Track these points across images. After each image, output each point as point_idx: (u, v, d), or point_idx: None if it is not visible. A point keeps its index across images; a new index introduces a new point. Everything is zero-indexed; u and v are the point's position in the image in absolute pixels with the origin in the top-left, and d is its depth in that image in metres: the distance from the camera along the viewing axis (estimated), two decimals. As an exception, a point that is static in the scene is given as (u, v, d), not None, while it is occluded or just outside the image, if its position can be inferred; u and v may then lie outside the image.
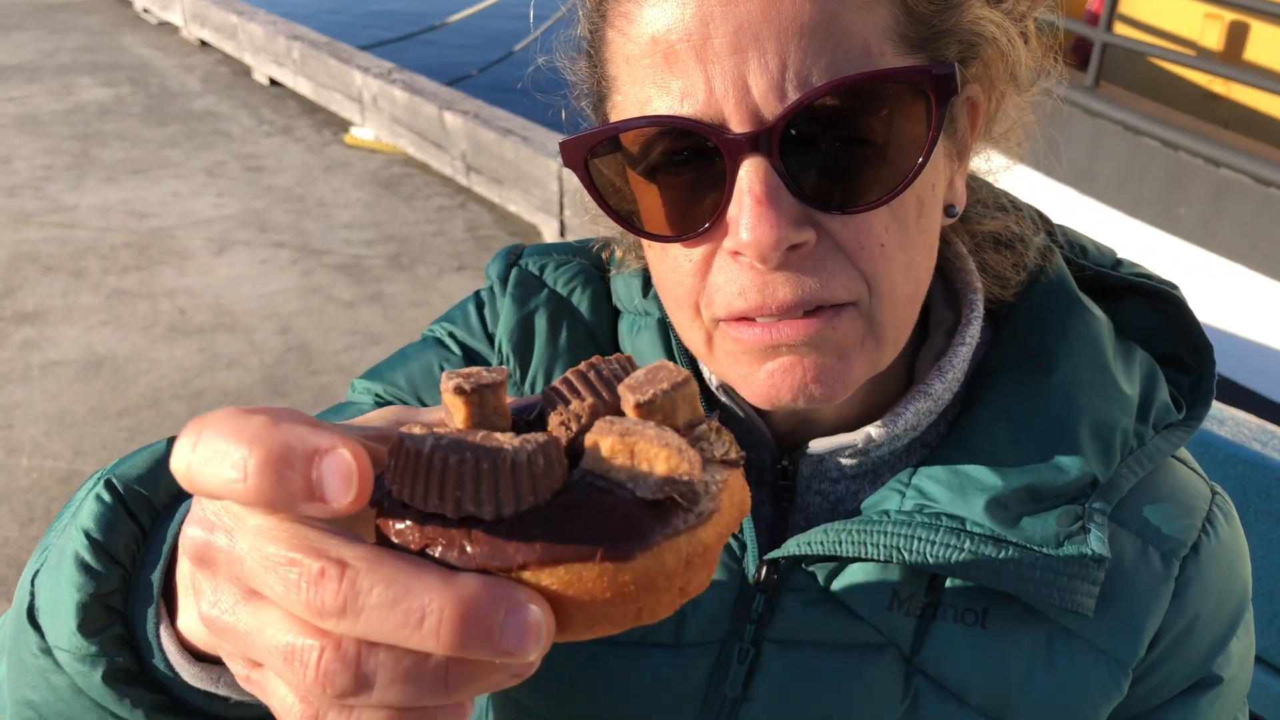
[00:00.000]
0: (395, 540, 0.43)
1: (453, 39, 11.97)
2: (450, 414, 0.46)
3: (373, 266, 5.74)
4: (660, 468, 0.43)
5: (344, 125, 8.18)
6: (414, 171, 7.28)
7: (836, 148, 0.68)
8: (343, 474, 0.40)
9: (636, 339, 0.93)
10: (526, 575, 0.42)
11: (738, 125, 0.68)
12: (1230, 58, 5.38)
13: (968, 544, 0.77)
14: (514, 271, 0.99)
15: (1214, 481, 0.93)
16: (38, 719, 0.69)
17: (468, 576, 0.41)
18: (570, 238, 5.90)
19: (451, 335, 1.00)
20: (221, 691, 0.62)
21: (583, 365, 0.48)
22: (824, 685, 0.82)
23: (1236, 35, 5.32)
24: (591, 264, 1.01)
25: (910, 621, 0.82)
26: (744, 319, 0.74)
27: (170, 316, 5.12)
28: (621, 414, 0.47)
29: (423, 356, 1.00)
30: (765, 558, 0.84)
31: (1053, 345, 0.83)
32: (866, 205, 0.69)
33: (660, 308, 0.91)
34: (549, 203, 6.06)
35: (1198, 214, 4.70)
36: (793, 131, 0.67)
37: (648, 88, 0.71)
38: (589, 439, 0.44)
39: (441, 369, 0.97)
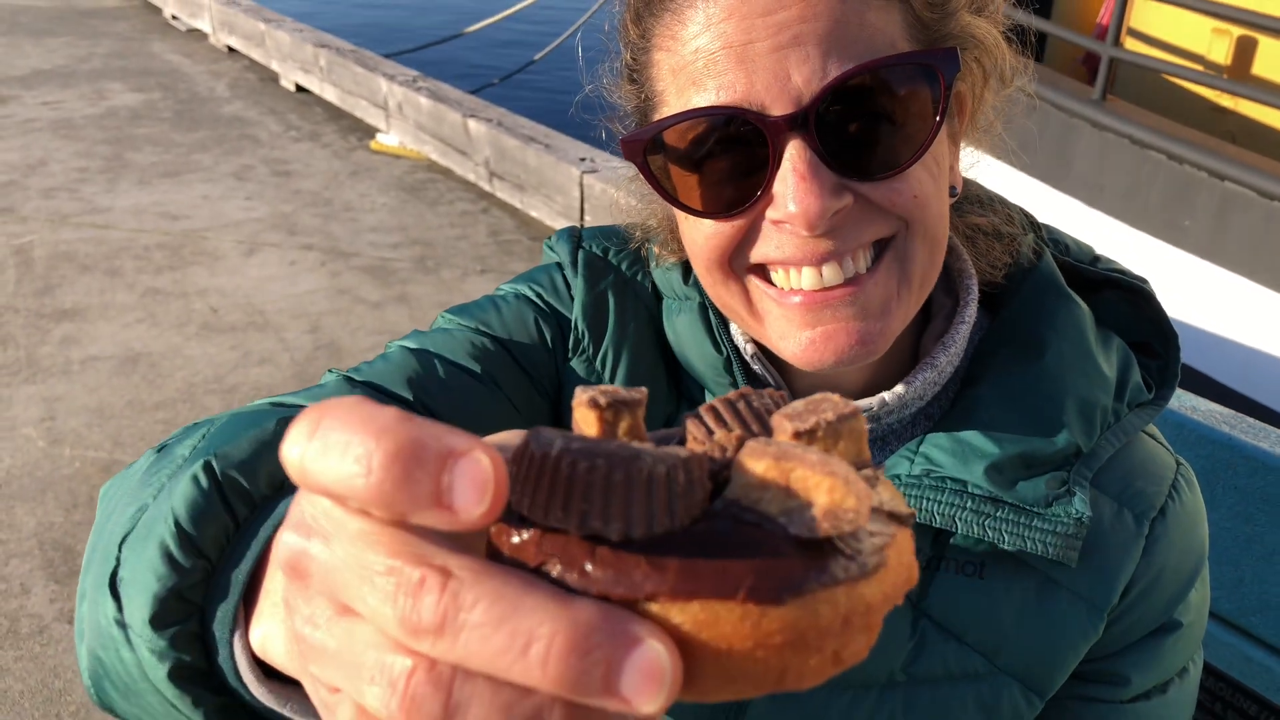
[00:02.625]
0: (508, 555, 0.37)
1: (475, 46, 12.15)
2: (582, 430, 0.41)
3: (399, 269, 5.90)
4: (822, 500, 0.36)
5: (369, 131, 8.35)
6: (438, 177, 7.45)
7: (864, 124, 0.80)
8: (477, 481, 0.35)
9: (678, 320, 1.01)
10: (654, 608, 0.35)
11: (779, 109, 0.79)
12: (1238, 73, 5.45)
13: (969, 503, 0.89)
14: (581, 253, 1.06)
15: (1186, 459, 1.07)
16: (104, 677, 0.67)
17: (585, 602, 0.34)
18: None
19: (540, 297, 1.03)
20: (290, 715, 0.56)
21: (732, 394, 0.43)
22: None
23: (1244, 50, 5.39)
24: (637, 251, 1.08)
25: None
26: (779, 276, 0.86)
27: (203, 315, 5.29)
28: None
29: (515, 306, 1.02)
30: None
31: (1043, 332, 0.96)
32: (894, 171, 0.82)
33: (701, 292, 1.00)
34: (570, 209, 6.20)
35: (1203, 227, 4.77)
36: (826, 113, 0.79)
37: (689, 89, 0.83)
38: (742, 461, 0.38)
39: (537, 325, 1.00)
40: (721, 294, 0.91)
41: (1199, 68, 5.52)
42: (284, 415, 0.70)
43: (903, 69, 0.80)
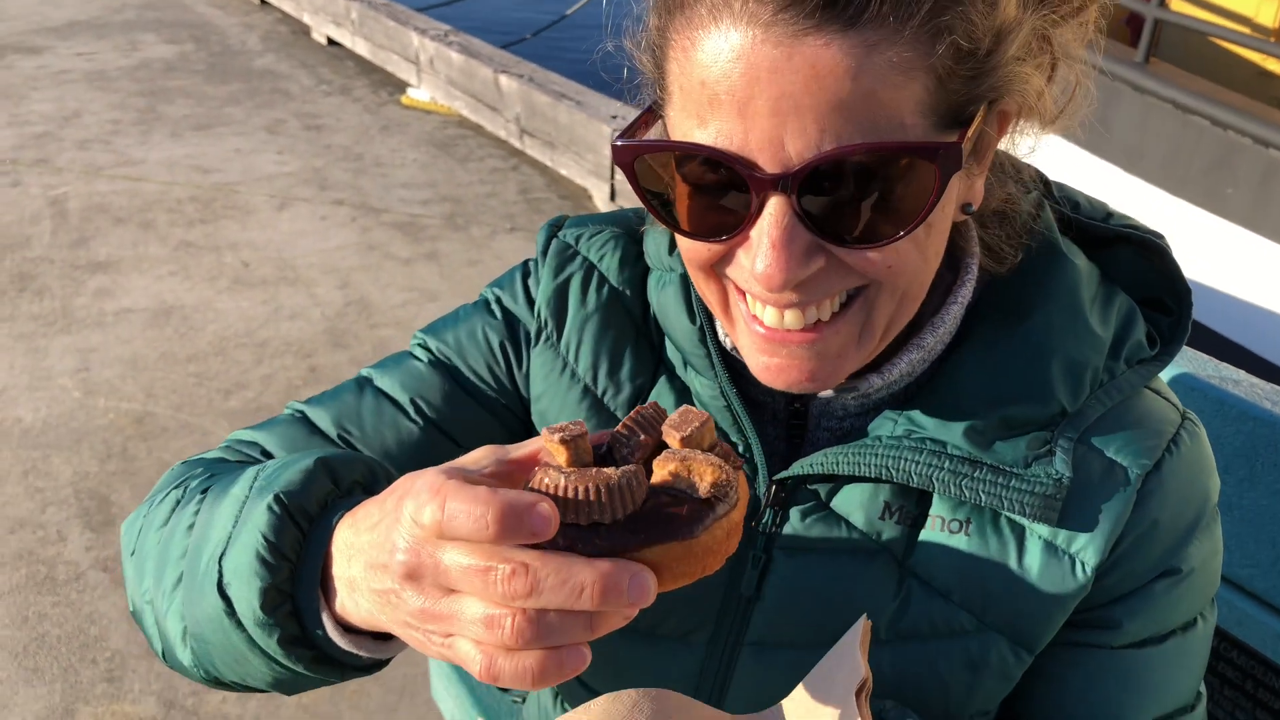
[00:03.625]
0: (546, 545, 0.63)
1: (508, 1, 12.05)
2: (553, 455, 0.68)
3: (429, 225, 5.90)
4: (709, 479, 0.65)
5: (400, 86, 8.33)
6: (468, 133, 7.42)
7: (852, 195, 0.78)
8: (545, 518, 0.61)
9: (661, 293, 1.05)
10: (636, 555, 0.64)
11: (769, 168, 0.77)
12: (1286, 37, 5.34)
13: (947, 464, 0.91)
14: (554, 243, 1.13)
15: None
16: (211, 656, 0.89)
17: (603, 561, 0.62)
18: (621, 201, 6.01)
19: (498, 300, 1.14)
20: (362, 652, 0.82)
21: (631, 415, 0.71)
22: (825, 585, 0.97)
23: (1294, 14, 5.27)
24: (623, 230, 1.13)
25: (902, 529, 0.96)
26: (748, 305, 0.87)
27: (234, 269, 5.32)
28: (665, 445, 0.70)
29: (470, 319, 1.14)
30: (774, 478, 0.98)
31: (1032, 294, 0.95)
32: (875, 244, 0.80)
33: (683, 264, 1.02)
34: (600, 167, 6.17)
35: (1246, 195, 4.68)
36: (814, 179, 0.76)
37: (692, 118, 0.80)
38: (657, 464, 0.67)
39: (485, 334, 1.12)
40: (703, 289, 0.92)
41: (1246, 30, 5.39)
42: (321, 454, 0.88)
43: (899, 154, 0.76)
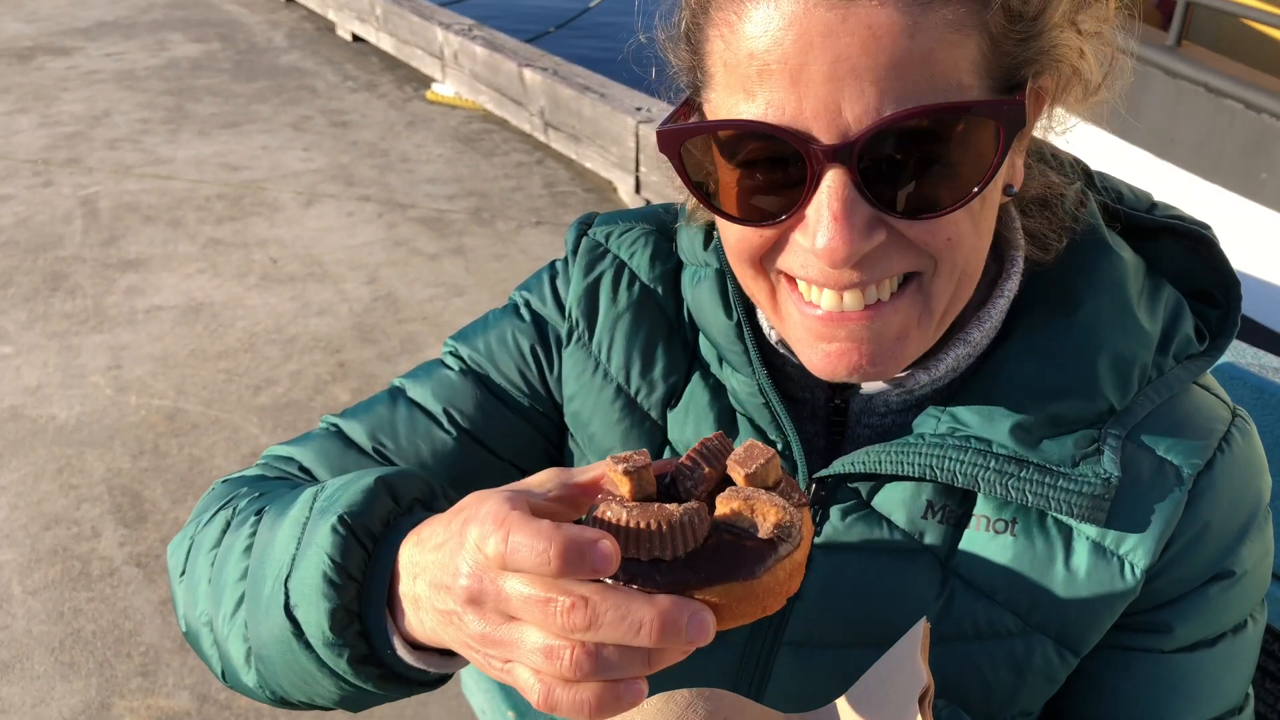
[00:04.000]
0: (608, 580, 0.63)
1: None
2: (616, 485, 0.69)
3: (455, 220, 5.91)
4: (772, 518, 0.65)
5: (425, 81, 8.34)
6: (493, 128, 7.43)
7: (912, 162, 0.76)
8: (607, 556, 0.61)
9: (696, 289, 1.03)
10: (696, 594, 0.64)
11: (825, 138, 0.75)
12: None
13: (993, 463, 0.88)
14: (584, 241, 1.11)
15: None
16: (276, 675, 0.88)
17: (663, 598, 0.62)
18: (646, 194, 5.99)
19: (527, 304, 1.13)
20: (430, 668, 0.82)
21: (696, 447, 0.71)
22: (866, 584, 0.95)
23: (1330, -6, 5.17)
24: (654, 225, 1.11)
25: (945, 529, 0.94)
26: (803, 292, 0.85)
27: (263, 265, 5.35)
28: (729, 479, 0.70)
29: (500, 324, 1.13)
30: (814, 476, 0.96)
31: (1079, 286, 0.92)
32: (936, 213, 0.78)
33: (719, 259, 1.01)
34: (625, 159, 6.16)
35: (1280, 179, 4.62)
36: (873, 147, 0.74)
37: (738, 94, 0.78)
38: (721, 501, 0.67)
39: (515, 339, 1.11)
40: (750, 285, 0.90)
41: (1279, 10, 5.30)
42: (380, 473, 0.87)
43: (961, 114, 0.75)
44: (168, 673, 2.97)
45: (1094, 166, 1.04)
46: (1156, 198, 1.04)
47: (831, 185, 0.76)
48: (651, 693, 0.76)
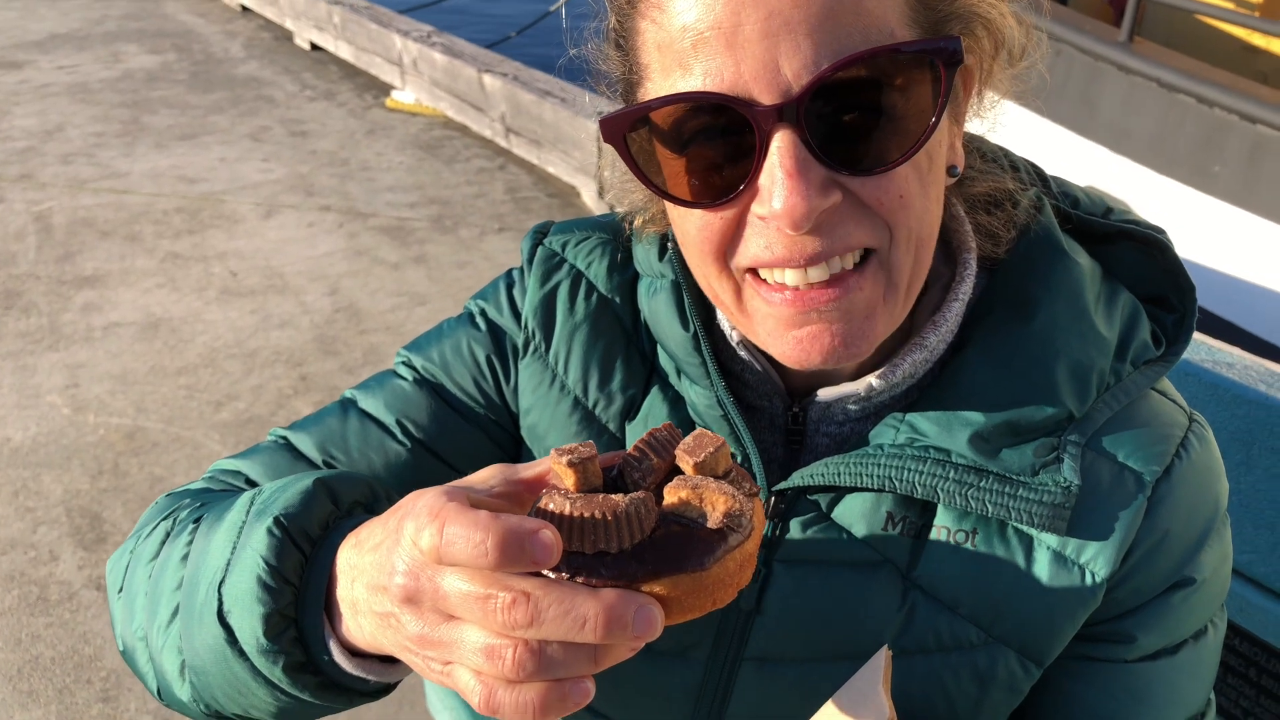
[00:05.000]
0: (549, 573, 0.62)
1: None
2: (561, 478, 0.67)
3: (416, 229, 5.87)
4: (721, 507, 0.63)
5: (385, 89, 8.29)
6: (454, 134, 7.39)
7: (857, 116, 0.76)
8: (548, 547, 0.59)
9: (653, 300, 1.02)
10: (643, 586, 0.61)
11: (767, 99, 0.75)
12: (1271, 10, 5.31)
13: (952, 473, 0.87)
14: (539, 250, 1.09)
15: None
16: (211, 686, 0.86)
17: (608, 591, 0.60)
18: (610, 200, 5.99)
19: (483, 313, 1.11)
20: (370, 675, 0.79)
21: (644, 437, 0.69)
22: (827, 598, 0.94)
23: (1278, -13, 5.26)
24: (610, 235, 1.10)
25: (906, 541, 0.93)
26: (769, 280, 0.83)
27: (223, 279, 5.29)
28: (678, 469, 0.68)
29: (455, 334, 1.11)
30: (773, 489, 0.95)
31: (1036, 293, 0.92)
32: (887, 166, 0.77)
33: (674, 270, 1.00)
34: (588, 164, 6.14)
35: (1233, 172, 4.67)
36: (818, 103, 0.74)
37: (675, 71, 0.78)
38: (668, 491, 0.65)
39: (470, 348, 1.09)
40: (714, 287, 0.89)
41: (1230, 5, 5.38)
42: (319, 475, 0.85)
43: (899, 60, 0.75)
44: (130, 697, 2.92)
45: (1053, 162, 1.03)
46: (1113, 192, 1.03)
47: (781, 145, 0.75)
48: (617, 715, 0.74)
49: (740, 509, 0.63)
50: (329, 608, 0.78)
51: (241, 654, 0.80)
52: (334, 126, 7.53)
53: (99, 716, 2.86)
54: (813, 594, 0.94)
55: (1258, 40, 5.38)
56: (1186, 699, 0.98)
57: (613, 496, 0.62)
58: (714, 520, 0.63)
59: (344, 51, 9.01)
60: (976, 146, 0.99)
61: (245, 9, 10.85)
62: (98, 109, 7.87)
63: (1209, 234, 4.76)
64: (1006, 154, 1.01)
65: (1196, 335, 1.53)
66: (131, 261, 5.48)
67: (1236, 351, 1.51)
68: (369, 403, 1.09)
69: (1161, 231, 0.99)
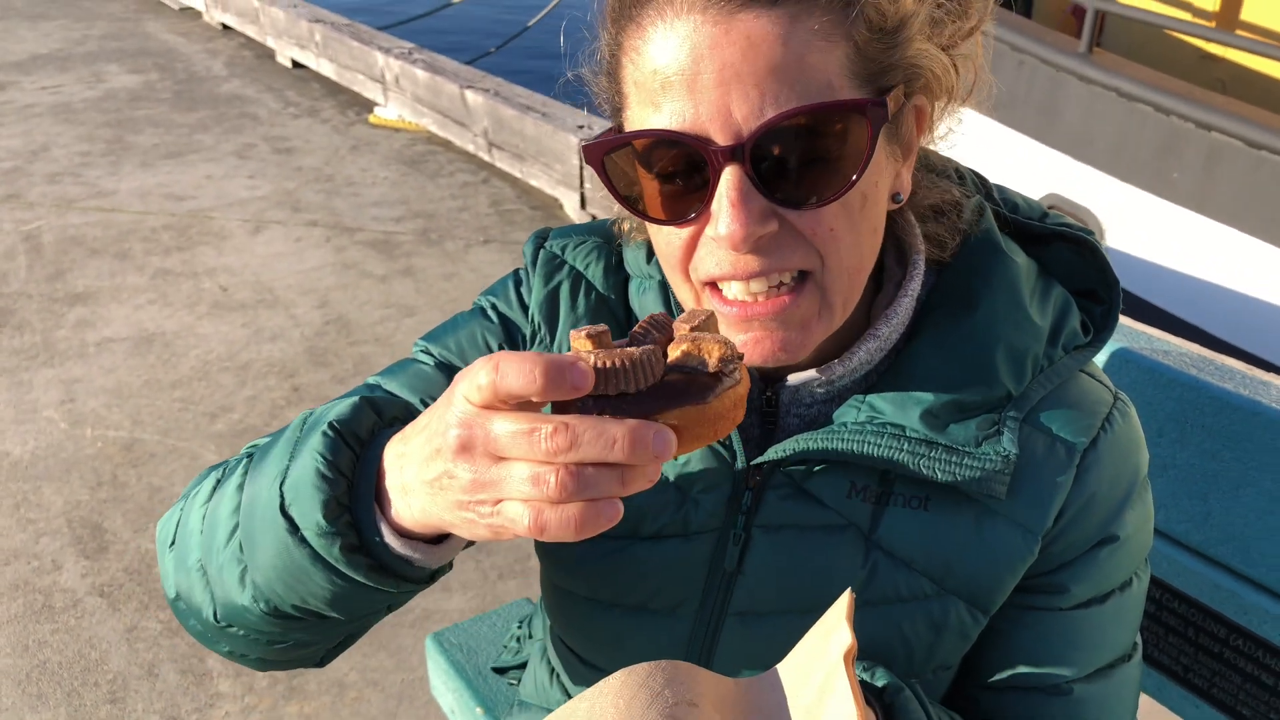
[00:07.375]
0: (579, 410, 0.73)
1: (469, 15, 12.11)
2: (581, 351, 0.77)
3: (403, 242, 5.98)
4: (715, 355, 0.75)
5: (368, 105, 8.39)
6: (437, 149, 7.50)
7: (796, 159, 0.89)
8: (584, 373, 0.70)
9: (643, 297, 1.15)
10: (658, 418, 0.73)
11: (721, 140, 0.87)
12: (1226, 21, 5.47)
13: (907, 446, 1.00)
14: (541, 253, 1.21)
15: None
16: (267, 582, 0.95)
17: (631, 420, 0.71)
18: (591, 209, 6.10)
19: (494, 307, 1.22)
20: (416, 554, 0.90)
21: (642, 322, 0.80)
22: (800, 559, 1.07)
23: (1233, -1, 5.41)
24: (604, 239, 1.22)
25: (867, 507, 1.05)
26: (723, 288, 0.97)
27: (213, 294, 5.38)
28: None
29: (469, 325, 1.22)
30: (752, 463, 1.08)
31: (978, 288, 1.05)
32: (816, 204, 0.91)
33: (660, 271, 1.13)
34: (570, 177, 6.27)
35: (1190, 178, 4.81)
36: (762, 146, 0.87)
37: (648, 107, 0.92)
38: (672, 347, 0.77)
39: (483, 338, 1.20)
40: (681, 292, 1.02)
41: (1187, 16, 5.53)
42: (363, 393, 1.00)
43: (834, 113, 0.87)
44: (136, 699, 3.01)
45: (1017, 169, 1.16)
46: (1074, 196, 1.18)
47: (729, 179, 0.89)
48: (613, 669, 0.85)
49: (732, 354, 0.75)
50: (379, 498, 0.89)
51: (302, 541, 0.90)
52: (318, 143, 7.63)
53: (107, 717, 2.96)
54: (787, 555, 1.06)
55: (1214, 49, 5.53)
56: (1113, 642, 1.11)
57: (629, 349, 0.74)
58: (711, 365, 0.74)
59: (326, 69, 9.11)
60: (925, 161, 1.12)
61: (226, 28, 10.93)
62: (82, 129, 7.94)
63: (1167, 236, 4.91)
64: (955, 165, 1.14)
65: (1139, 326, 1.67)
66: (122, 278, 5.56)
67: (1175, 340, 1.65)
68: (393, 385, 1.19)
69: (1090, 233, 1.12)
